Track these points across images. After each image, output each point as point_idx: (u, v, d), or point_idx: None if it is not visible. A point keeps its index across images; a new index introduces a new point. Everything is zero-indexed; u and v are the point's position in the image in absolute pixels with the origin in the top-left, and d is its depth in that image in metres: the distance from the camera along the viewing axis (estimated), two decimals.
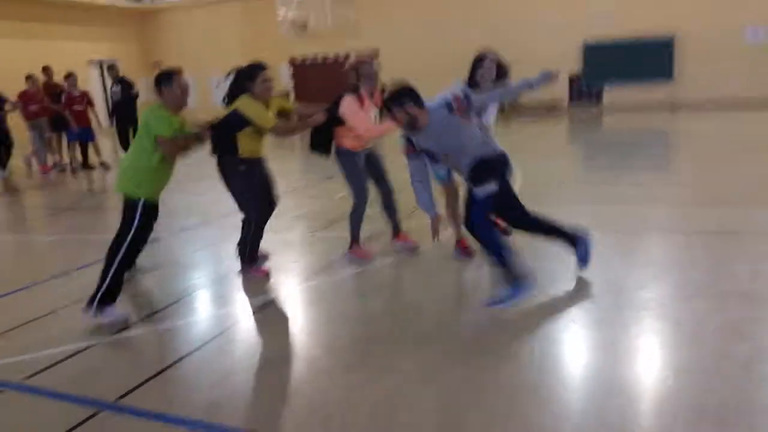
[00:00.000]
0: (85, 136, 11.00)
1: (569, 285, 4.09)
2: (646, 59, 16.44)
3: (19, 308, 4.17)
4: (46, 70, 11.53)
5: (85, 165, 11.11)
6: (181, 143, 3.83)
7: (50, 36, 19.04)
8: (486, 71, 4.47)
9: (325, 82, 17.17)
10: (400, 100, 3.63)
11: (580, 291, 3.97)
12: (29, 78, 11.01)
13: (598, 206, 6.19)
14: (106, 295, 3.68)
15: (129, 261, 3.83)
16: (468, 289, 4.31)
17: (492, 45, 18.05)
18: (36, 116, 10.83)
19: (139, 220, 3.76)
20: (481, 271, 4.32)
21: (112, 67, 10.66)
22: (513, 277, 3.62)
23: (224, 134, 4.20)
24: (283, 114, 4.52)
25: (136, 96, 10.98)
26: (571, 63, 17.24)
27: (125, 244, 3.72)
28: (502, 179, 3.75)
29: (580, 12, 16.74)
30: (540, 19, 17.16)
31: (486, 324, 3.47)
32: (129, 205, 3.81)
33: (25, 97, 10.83)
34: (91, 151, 11.20)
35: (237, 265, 4.52)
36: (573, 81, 17.50)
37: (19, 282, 4.68)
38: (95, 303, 3.66)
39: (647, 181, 7.39)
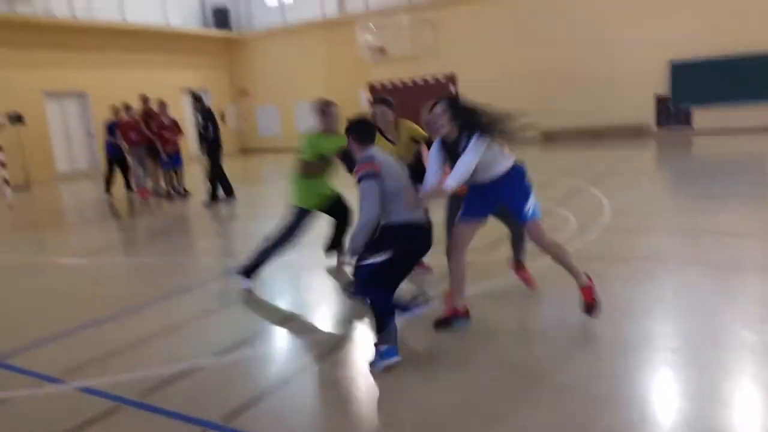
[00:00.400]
0: (173, 163, 11.59)
1: (662, 323, 3.97)
2: (739, 78, 15.62)
3: (129, 328, 4.48)
4: (143, 99, 12.26)
5: (177, 191, 11.70)
6: (310, 165, 4.85)
7: (145, 65, 20.40)
8: (433, 121, 3.80)
9: (403, 106, 17.46)
10: (346, 130, 3.76)
11: (675, 329, 3.84)
12: (127, 108, 11.83)
13: (691, 237, 5.95)
14: (249, 269, 4.99)
15: (275, 252, 4.97)
16: (562, 327, 4.22)
17: (573, 65, 17.83)
18: (135, 144, 11.61)
19: (289, 222, 4.94)
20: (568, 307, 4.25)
21: (198, 99, 10.65)
22: (387, 340, 3.43)
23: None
24: (415, 140, 4.81)
25: (216, 128, 10.35)
26: (657, 83, 16.68)
27: (277, 239, 4.93)
28: (404, 248, 3.52)
29: (665, 30, 16.17)
30: (623, 38, 16.70)
31: (579, 364, 3.42)
32: (289, 209, 5.01)
33: (124, 126, 11.63)
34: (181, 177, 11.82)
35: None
36: (660, 102, 16.88)
37: (128, 302, 5.04)
38: (242, 271, 5.01)
39: (744, 211, 7.01)
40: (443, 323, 3.96)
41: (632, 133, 17.01)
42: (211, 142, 10.32)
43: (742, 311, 4.01)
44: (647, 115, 17.03)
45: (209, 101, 22.11)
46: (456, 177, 3.61)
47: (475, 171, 3.71)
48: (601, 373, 3.23)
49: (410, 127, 4.83)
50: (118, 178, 12.60)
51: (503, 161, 3.83)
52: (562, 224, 6.59)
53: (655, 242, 5.87)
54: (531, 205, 3.85)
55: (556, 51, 17.70)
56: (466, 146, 3.64)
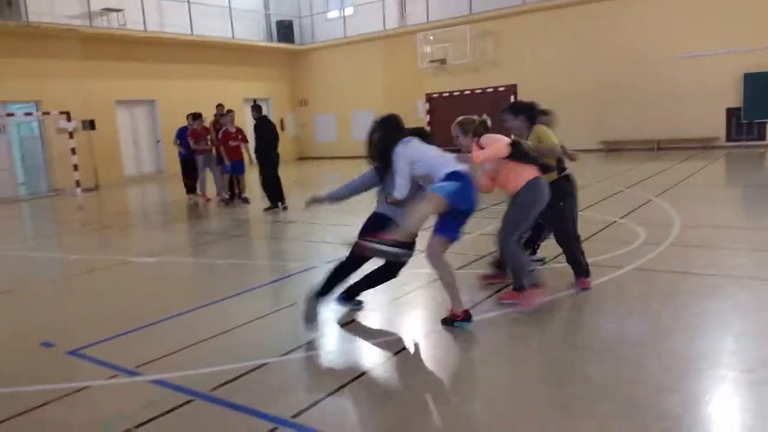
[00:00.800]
0: (236, 169, 11.81)
1: (734, 339, 3.80)
2: None
3: (198, 325, 4.62)
4: (219, 107, 12.54)
5: (237, 196, 11.94)
6: None
7: (211, 76, 21.11)
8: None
9: (460, 114, 17.41)
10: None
11: (747, 347, 3.67)
12: (195, 116, 12.21)
13: (759, 253, 5.71)
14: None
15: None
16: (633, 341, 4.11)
17: (639, 77, 17.42)
18: (204, 151, 12.00)
19: None
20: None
21: (256, 108, 10.76)
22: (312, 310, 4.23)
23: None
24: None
25: (265, 137, 10.54)
26: (728, 96, 16.06)
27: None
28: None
29: (738, 43, 15.58)
30: (695, 50, 16.19)
31: (650, 378, 3.31)
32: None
33: (193, 134, 12.03)
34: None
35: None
36: (731, 115, 16.23)
37: (194, 301, 5.18)
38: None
39: None
40: (445, 321, 4.20)
41: (701, 146, 16.44)
42: (257, 150, 10.61)
43: None
44: (717, 127, 16.42)
45: (269, 110, 22.74)
46: (398, 192, 4.11)
47: (425, 180, 4.12)
48: (674, 388, 3.13)
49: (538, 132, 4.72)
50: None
51: (442, 169, 3.99)
52: (631, 237, 6.41)
53: (726, 257, 5.64)
54: (445, 186, 3.92)
55: (623, 62, 17.31)
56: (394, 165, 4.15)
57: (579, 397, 3.11)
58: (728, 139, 16.35)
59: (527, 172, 4.33)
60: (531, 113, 4.74)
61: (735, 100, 16.06)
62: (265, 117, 10.87)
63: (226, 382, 3.45)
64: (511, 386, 3.34)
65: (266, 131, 10.60)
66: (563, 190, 4.71)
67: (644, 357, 3.55)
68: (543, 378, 3.40)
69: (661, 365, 3.41)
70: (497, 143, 4.27)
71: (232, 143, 11.51)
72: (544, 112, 5.00)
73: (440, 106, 20.75)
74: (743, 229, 7.13)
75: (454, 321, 4.13)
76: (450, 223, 4.06)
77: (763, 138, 15.94)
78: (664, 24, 16.54)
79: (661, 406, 2.95)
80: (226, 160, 11.55)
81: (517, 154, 4.26)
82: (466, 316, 4.14)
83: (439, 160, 4.08)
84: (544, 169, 4.47)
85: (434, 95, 21.16)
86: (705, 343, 3.72)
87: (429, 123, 20.86)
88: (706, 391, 3.13)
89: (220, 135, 11.63)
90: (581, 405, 3.03)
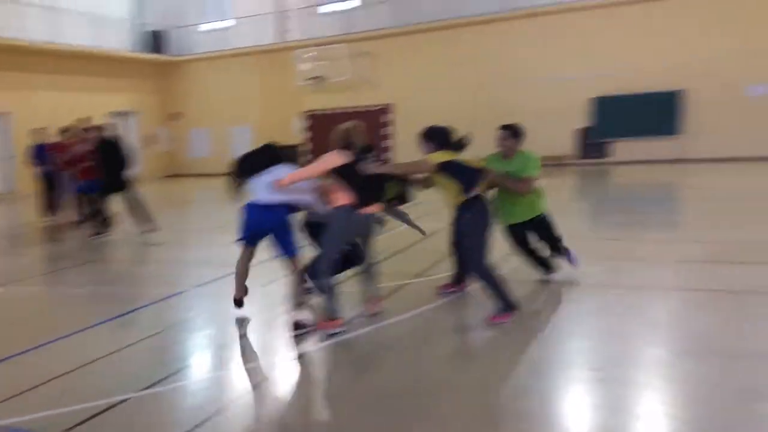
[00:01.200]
0: (91, 189, 10.25)
1: (585, 343, 4.15)
2: (654, 114, 16.75)
3: (52, 361, 4.23)
4: (87, 121, 11.41)
5: (94, 218, 10.88)
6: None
7: (74, 87, 19.65)
8: None
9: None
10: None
11: (596, 348, 4.03)
12: (66, 130, 11.19)
13: (606, 262, 6.26)
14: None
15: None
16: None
17: (505, 99, 18.57)
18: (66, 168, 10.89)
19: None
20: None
21: (98, 128, 9.83)
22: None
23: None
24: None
25: (104, 160, 9.58)
26: (578, 117, 17.64)
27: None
28: None
29: (590, 68, 17.23)
30: (551, 76, 17.65)
31: (507, 382, 3.52)
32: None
33: (61, 148, 10.93)
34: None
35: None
36: (581, 135, 17.83)
37: (49, 333, 4.74)
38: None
39: (655, 237, 7.46)
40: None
41: (554, 164, 17.82)
42: (104, 173, 9.65)
43: (655, 330, 4.27)
44: (569, 146, 17.94)
45: (135, 125, 21.59)
46: None
47: None
48: (532, 389, 3.35)
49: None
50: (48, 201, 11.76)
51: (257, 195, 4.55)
52: (493, 248, 6.75)
53: (579, 266, 6.12)
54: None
55: (492, 83, 18.43)
56: None
57: (444, 406, 3.23)
58: (577, 157, 17.93)
59: (342, 197, 4.38)
60: (440, 139, 4.95)
61: (584, 121, 17.67)
62: (105, 139, 9.73)
63: (79, 423, 3.18)
64: (378, 398, 3.38)
65: (109, 155, 9.56)
66: (466, 209, 4.76)
67: (505, 362, 3.78)
68: (409, 389, 3.46)
69: (520, 368, 3.66)
70: (317, 164, 4.41)
71: (84, 164, 10.19)
72: (459, 140, 5.07)
73: (320, 123, 20.79)
74: (594, 239, 7.78)
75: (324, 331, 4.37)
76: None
77: (607, 156, 17.67)
78: (527, 49, 17.88)
79: (520, 408, 3.15)
80: (78, 179, 10.48)
81: (343, 176, 4.35)
82: (334, 326, 4.39)
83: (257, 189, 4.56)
84: (401, 195, 4.83)
85: (315, 112, 21.19)
86: (559, 346, 4.03)
87: (311, 139, 20.85)
88: (560, 390, 3.39)
89: (69, 157, 10.57)
90: (447, 413, 3.14)
